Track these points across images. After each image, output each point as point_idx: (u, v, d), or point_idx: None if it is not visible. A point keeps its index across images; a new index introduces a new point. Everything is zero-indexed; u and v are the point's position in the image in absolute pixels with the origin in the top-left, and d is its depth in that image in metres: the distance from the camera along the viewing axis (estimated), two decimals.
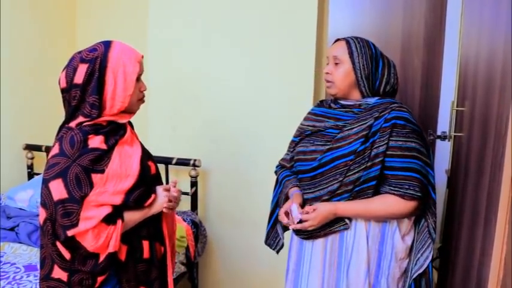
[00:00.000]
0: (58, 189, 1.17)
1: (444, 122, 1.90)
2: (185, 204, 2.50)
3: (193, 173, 2.44)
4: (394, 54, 1.93)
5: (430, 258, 1.42)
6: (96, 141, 1.23)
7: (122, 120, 1.32)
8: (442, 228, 2.29)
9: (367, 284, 1.42)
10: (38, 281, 1.74)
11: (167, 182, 2.51)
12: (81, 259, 1.21)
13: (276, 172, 1.69)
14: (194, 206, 2.52)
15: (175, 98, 2.56)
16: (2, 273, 1.80)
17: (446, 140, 1.88)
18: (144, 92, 1.35)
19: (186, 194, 2.50)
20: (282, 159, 1.68)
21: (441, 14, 1.87)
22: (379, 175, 1.36)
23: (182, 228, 2.31)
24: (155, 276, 1.39)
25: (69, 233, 1.17)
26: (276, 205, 1.67)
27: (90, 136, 1.22)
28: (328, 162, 1.41)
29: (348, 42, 1.46)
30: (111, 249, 1.23)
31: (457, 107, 1.73)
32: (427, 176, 1.38)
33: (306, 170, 1.47)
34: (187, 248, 2.32)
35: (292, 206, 1.43)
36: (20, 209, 2.32)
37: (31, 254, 1.99)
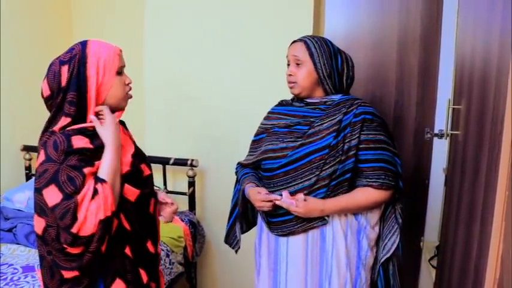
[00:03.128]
0: (53, 195, 1.14)
1: (441, 120, 1.89)
2: (183, 205, 2.50)
3: (190, 173, 2.44)
4: (390, 52, 1.93)
5: (397, 242, 1.50)
6: (81, 142, 1.19)
7: None
8: (440, 226, 2.29)
9: (348, 276, 1.44)
10: (35, 282, 1.74)
11: (165, 182, 2.51)
12: (100, 238, 1.14)
13: (236, 172, 1.70)
14: (192, 206, 2.52)
15: (172, 98, 2.56)
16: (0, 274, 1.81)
17: (444, 138, 1.88)
18: (131, 85, 1.31)
19: (183, 194, 2.50)
20: (245, 160, 1.67)
21: (437, 12, 1.87)
22: (353, 168, 1.42)
23: (180, 228, 2.31)
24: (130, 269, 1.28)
25: (74, 229, 1.11)
26: (236, 204, 1.68)
27: (73, 137, 1.18)
28: (301, 158, 1.43)
29: (305, 43, 1.49)
30: (109, 212, 1.14)
31: (453, 105, 1.73)
32: (396, 166, 1.46)
33: (276, 168, 1.48)
34: (185, 248, 2.32)
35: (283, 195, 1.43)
36: (18, 210, 2.31)
37: (29, 255, 1.98)
